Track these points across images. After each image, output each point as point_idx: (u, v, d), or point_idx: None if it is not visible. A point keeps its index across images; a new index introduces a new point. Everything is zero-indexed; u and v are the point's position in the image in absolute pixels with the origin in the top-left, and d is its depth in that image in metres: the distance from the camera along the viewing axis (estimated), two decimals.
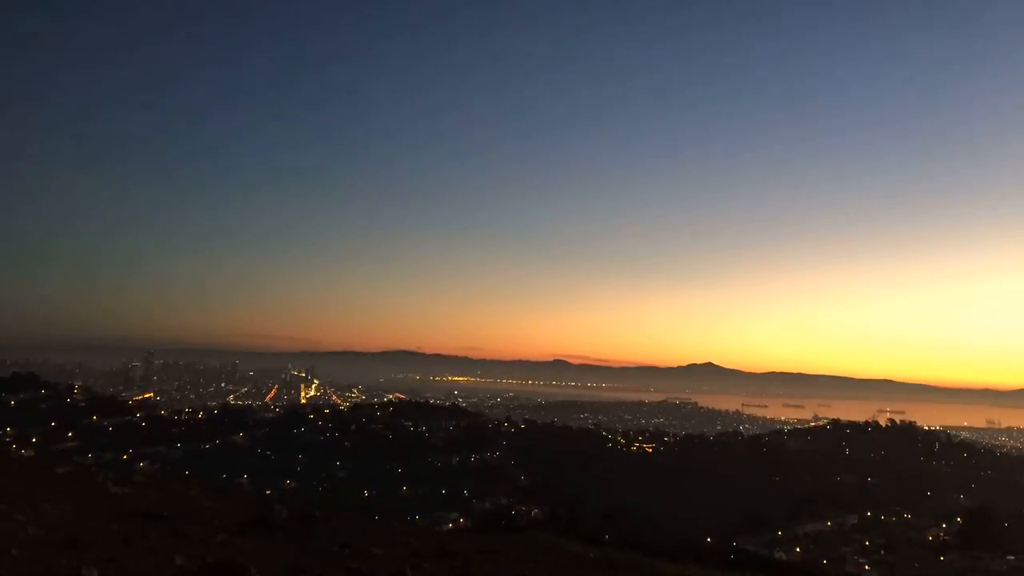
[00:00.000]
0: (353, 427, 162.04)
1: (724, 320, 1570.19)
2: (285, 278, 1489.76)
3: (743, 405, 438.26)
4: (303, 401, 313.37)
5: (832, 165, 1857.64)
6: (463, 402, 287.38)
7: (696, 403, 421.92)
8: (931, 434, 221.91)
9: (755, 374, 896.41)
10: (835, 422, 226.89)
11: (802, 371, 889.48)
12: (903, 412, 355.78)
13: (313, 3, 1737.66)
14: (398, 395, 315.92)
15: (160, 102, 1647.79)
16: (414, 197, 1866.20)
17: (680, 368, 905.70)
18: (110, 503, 13.68)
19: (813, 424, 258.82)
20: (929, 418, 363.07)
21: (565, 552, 19.00)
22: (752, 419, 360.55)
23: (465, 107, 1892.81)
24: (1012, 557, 72.79)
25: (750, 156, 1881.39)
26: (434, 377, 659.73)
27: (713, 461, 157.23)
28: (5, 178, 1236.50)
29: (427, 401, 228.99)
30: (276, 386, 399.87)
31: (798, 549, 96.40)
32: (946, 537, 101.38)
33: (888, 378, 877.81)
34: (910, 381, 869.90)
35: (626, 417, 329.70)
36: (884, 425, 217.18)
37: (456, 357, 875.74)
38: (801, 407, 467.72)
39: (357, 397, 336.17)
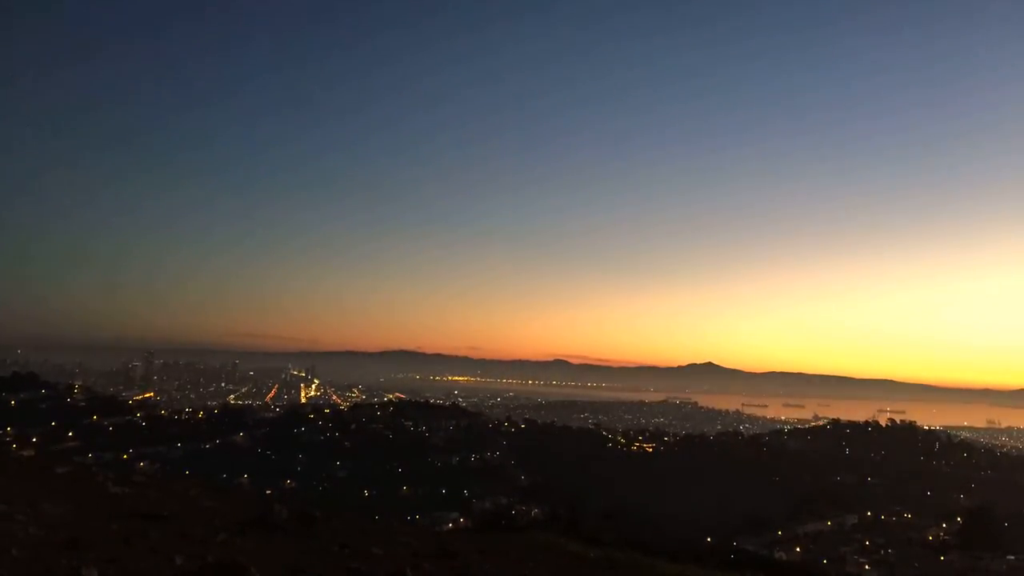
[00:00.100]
0: (353, 427, 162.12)
1: (724, 320, 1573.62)
2: (285, 278, 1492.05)
3: (743, 405, 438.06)
4: (303, 401, 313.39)
5: (832, 162, 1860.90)
6: (463, 402, 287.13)
7: (696, 403, 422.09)
8: (931, 434, 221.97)
9: (755, 374, 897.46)
10: (835, 422, 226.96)
11: (802, 371, 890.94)
12: (903, 412, 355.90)
13: None
14: (398, 395, 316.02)
15: (160, 102, 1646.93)
16: (414, 197, 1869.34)
17: (680, 368, 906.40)
18: (110, 503, 13.67)
19: (813, 424, 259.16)
20: (929, 418, 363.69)
21: (565, 552, 19.01)
22: (752, 419, 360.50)
23: (466, 107, 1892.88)
24: (1012, 557, 72.78)
25: (749, 152, 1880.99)
26: (434, 377, 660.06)
27: (713, 461, 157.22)
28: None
29: (427, 401, 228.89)
30: (276, 386, 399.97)
31: (798, 549, 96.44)
32: (946, 537, 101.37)
33: (888, 378, 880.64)
34: (910, 381, 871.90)
35: (626, 417, 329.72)
36: (884, 425, 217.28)
37: (456, 357, 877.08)
38: (801, 407, 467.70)
39: (357, 397, 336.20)
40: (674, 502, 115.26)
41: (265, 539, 11.97)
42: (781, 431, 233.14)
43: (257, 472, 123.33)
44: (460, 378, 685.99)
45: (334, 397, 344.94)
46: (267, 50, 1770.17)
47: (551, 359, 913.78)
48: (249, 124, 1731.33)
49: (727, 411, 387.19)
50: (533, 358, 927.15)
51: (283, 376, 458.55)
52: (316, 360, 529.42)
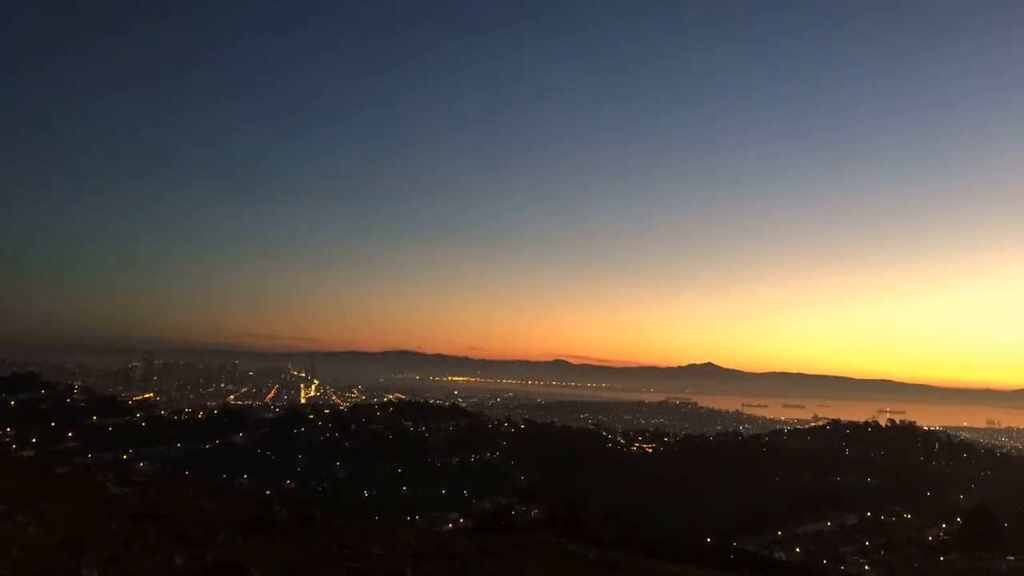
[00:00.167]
0: (353, 427, 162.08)
1: (724, 320, 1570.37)
2: (285, 278, 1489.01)
3: (743, 405, 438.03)
4: (303, 401, 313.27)
5: (832, 165, 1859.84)
6: (463, 402, 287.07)
7: (696, 403, 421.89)
8: (931, 434, 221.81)
9: (755, 374, 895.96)
10: (835, 422, 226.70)
11: (802, 371, 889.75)
12: (903, 412, 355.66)
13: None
14: (398, 395, 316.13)
15: (160, 103, 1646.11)
16: (414, 196, 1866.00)
17: (680, 368, 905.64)
18: (110, 503, 13.68)
19: (813, 424, 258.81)
20: (929, 418, 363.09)
21: (565, 552, 19.00)
22: (752, 419, 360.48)
23: (467, 109, 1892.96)
24: (1012, 557, 72.63)
25: (750, 155, 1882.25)
26: (434, 377, 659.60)
27: (713, 461, 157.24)
28: None
29: (427, 401, 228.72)
30: (276, 386, 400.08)
31: (798, 549, 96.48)
32: (946, 537, 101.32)
33: (888, 378, 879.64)
34: (910, 381, 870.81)
35: (626, 417, 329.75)
36: (884, 425, 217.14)
37: (456, 357, 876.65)
38: (801, 407, 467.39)
39: (357, 397, 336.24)
40: (674, 502, 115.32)
41: (265, 539, 11.98)
42: (781, 431, 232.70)
43: (257, 472, 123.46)
44: (460, 378, 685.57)
45: (334, 397, 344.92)
46: (269, 51, 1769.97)
47: (551, 359, 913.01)
48: (250, 125, 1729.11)
49: (727, 411, 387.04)
50: (533, 358, 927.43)
51: (283, 376, 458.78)
52: (316, 360, 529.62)
